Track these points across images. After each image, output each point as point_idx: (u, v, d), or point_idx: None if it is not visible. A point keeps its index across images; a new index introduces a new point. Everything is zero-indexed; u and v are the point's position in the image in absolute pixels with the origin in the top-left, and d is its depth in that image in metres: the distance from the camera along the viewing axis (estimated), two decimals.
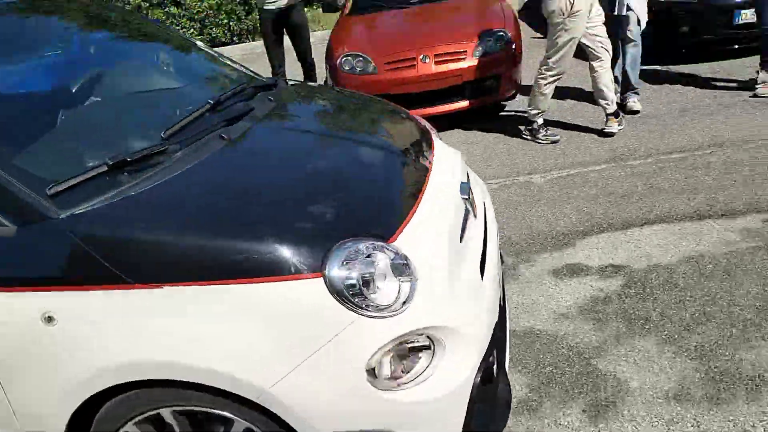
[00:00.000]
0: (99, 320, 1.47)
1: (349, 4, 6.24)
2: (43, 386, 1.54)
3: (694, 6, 5.70)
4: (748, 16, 5.27)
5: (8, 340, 1.53)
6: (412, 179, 1.96)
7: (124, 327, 1.46)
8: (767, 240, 2.96)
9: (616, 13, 4.73)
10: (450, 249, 1.75)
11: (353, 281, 1.48)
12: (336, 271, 1.47)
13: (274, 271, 1.44)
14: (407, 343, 1.53)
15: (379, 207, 1.78)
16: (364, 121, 2.50)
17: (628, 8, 4.68)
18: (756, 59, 5.01)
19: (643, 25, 4.80)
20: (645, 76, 5.54)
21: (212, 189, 1.73)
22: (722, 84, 5.23)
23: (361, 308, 1.48)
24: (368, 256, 1.52)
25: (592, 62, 4.46)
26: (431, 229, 1.75)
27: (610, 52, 4.47)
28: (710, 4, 5.62)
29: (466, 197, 2.04)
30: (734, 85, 5.15)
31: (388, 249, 1.56)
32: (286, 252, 1.46)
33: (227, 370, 1.44)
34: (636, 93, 4.98)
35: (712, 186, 3.57)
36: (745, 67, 5.36)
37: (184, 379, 1.47)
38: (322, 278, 1.45)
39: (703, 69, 5.64)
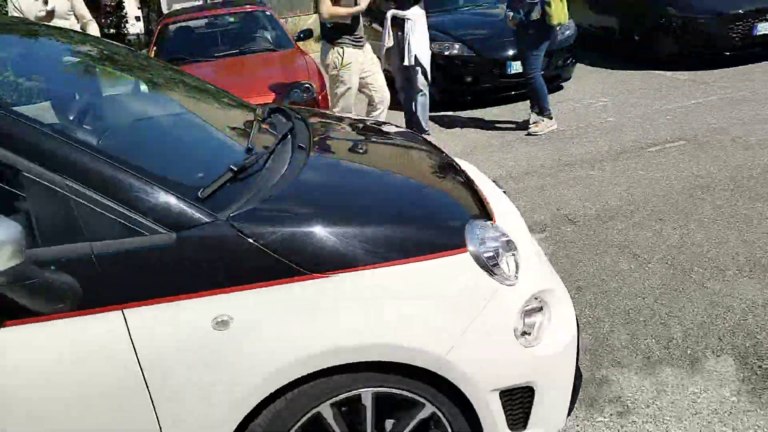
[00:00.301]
0: (278, 315, 1.46)
1: (152, 55, 6.12)
2: (208, 397, 1.45)
3: (473, 59, 6.45)
4: (518, 66, 6.09)
5: (169, 353, 1.41)
6: (463, 177, 2.18)
7: (306, 318, 1.48)
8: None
9: (405, 64, 5.21)
10: (524, 226, 2.05)
11: (491, 254, 1.67)
12: (476, 247, 1.66)
13: (430, 249, 1.59)
14: (526, 306, 1.72)
15: (469, 196, 2.00)
16: (387, 135, 2.66)
17: (417, 60, 5.18)
18: (528, 103, 5.80)
19: (429, 77, 5.35)
20: (438, 121, 6.13)
21: (338, 187, 1.88)
22: (503, 125, 5.95)
23: (498, 276, 1.66)
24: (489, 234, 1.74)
25: (369, 108, 4.87)
26: (504, 212, 2.01)
27: (386, 100, 4.88)
28: (486, 57, 6.41)
29: (503, 190, 2.31)
30: (513, 125, 5.88)
31: (495, 228, 1.79)
32: (435, 233, 1.67)
33: (410, 344, 1.54)
34: (428, 134, 5.48)
35: None
36: (521, 110, 6.15)
37: (369, 360, 1.52)
38: (468, 253, 1.63)
39: (486, 113, 6.37)
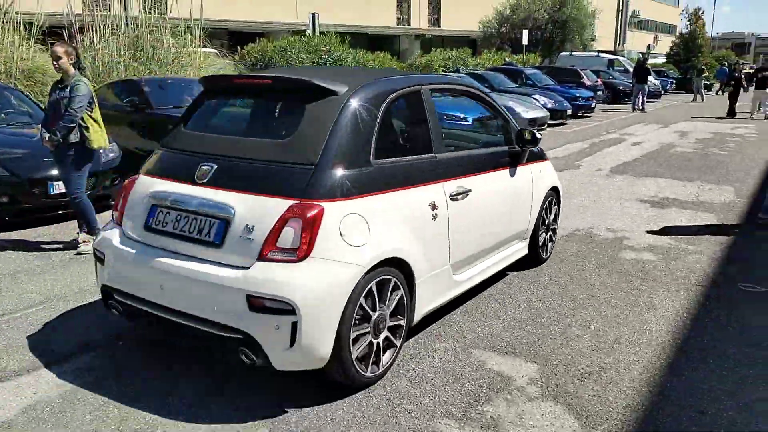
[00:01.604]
0: (542, 171, 5.21)
1: None
2: (539, 195, 5.14)
3: (8, 178, 6.06)
4: (59, 187, 5.97)
5: (535, 179, 5.00)
6: None
7: (544, 173, 5.30)
8: None
9: None
10: None
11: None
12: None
13: (545, 158, 5.54)
14: None
15: None
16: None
17: None
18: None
19: None
20: None
21: None
22: (49, 246, 5.70)
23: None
24: None
25: None
26: None
27: None
28: (23, 177, 6.11)
29: None
30: (60, 245, 5.69)
31: None
32: (542, 154, 5.44)
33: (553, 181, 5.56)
34: None
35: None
36: (71, 229, 5.97)
37: (552, 186, 5.54)
38: (549, 161, 5.72)
39: (29, 234, 6.01)
